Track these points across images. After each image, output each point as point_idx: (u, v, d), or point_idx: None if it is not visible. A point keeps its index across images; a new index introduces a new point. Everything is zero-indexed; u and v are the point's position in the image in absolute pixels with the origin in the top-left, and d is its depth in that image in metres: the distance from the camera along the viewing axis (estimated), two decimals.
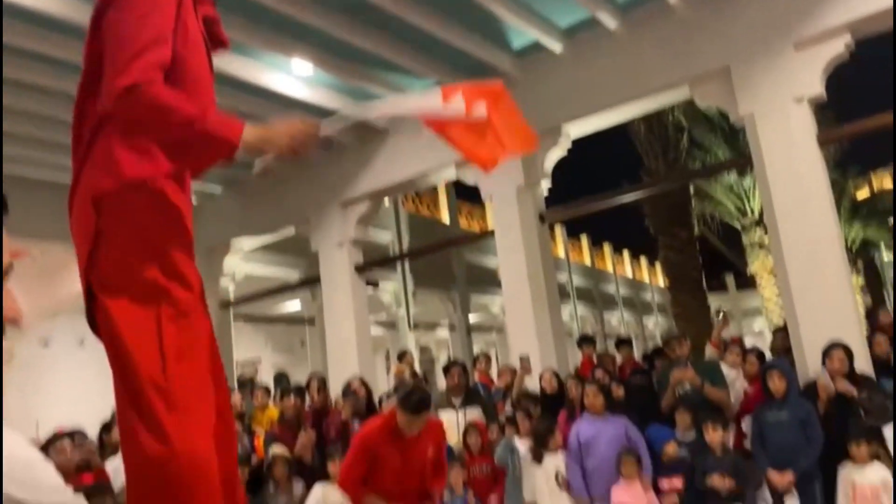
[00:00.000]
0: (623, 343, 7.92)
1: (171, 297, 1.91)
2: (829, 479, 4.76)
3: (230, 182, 9.60)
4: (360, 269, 8.76)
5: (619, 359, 7.53)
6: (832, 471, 4.73)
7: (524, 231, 7.31)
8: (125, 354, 1.85)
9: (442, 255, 16.48)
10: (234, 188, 9.65)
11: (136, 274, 1.88)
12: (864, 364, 5.28)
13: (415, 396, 3.98)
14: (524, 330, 7.17)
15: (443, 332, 17.92)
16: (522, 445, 5.48)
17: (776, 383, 4.97)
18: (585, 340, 8.00)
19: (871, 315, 6.81)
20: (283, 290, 10.57)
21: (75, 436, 4.68)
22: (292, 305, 13.45)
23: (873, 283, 22.78)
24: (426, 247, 11.80)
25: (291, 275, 11.81)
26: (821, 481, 4.75)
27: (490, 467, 5.58)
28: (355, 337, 8.56)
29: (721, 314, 6.90)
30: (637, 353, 9.10)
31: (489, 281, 17.08)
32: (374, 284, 9.71)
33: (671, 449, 5.15)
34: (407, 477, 4.03)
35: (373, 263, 9.34)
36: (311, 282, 9.85)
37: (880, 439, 4.74)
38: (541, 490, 5.27)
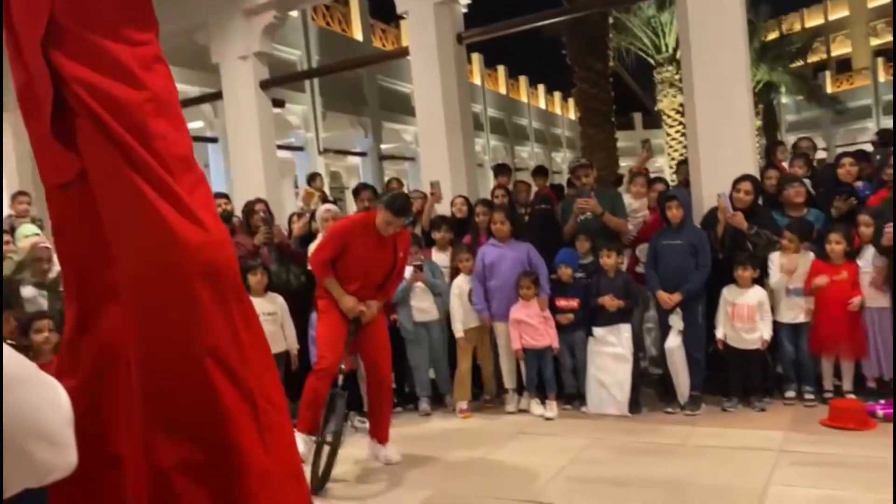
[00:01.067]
0: (539, 171, 8.02)
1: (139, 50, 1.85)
2: (714, 298, 5.17)
3: None
4: (265, 86, 8.29)
5: (533, 187, 7.64)
6: (718, 291, 5.14)
7: (440, 51, 7.02)
8: (118, 135, 1.76)
9: (354, 77, 15.85)
10: None
11: (99, 35, 1.78)
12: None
13: (399, 200, 4.30)
14: (436, 155, 7.10)
15: (353, 160, 17.64)
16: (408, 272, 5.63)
17: (674, 212, 5.20)
18: (501, 169, 8.04)
19: (769, 152, 7.14)
20: (183, 104, 9.93)
21: None
22: (194, 123, 12.77)
23: (770, 125, 23.79)
24: (337, 64, 11.23)
25: (191, 90, 11.09)
26: (704, 302, 5.15)
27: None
28: (261, 158, 8.28)
29: (646, 144, 7.03)
30: None
31: (402, 108, 16.71)
32: (281, 104, 9.26)
33: (565, 273, 5.40)
34: (371, 271, 4.36)
35: (279, 80, 8.85)
36: (212, 97, 9.30)
37: (764, 266, 5.13)
38: (455, 307, 5.56)
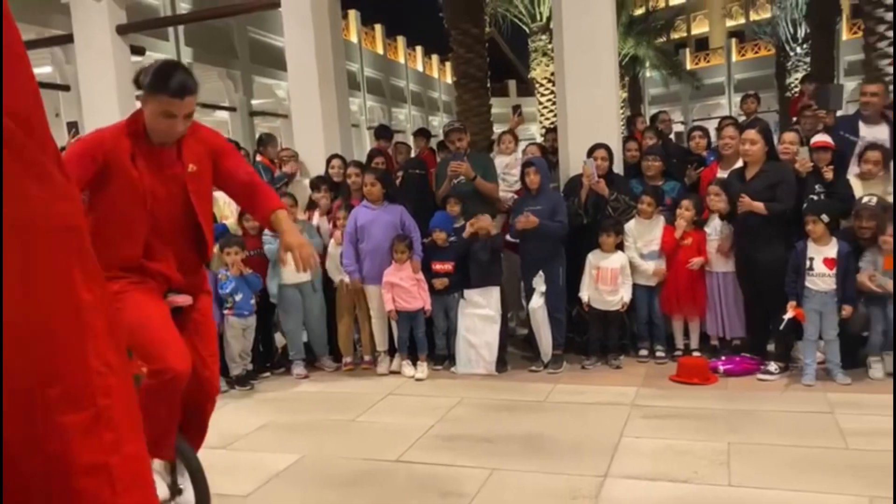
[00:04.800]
0: (420, 133, 8.00)
1: None
2: (575, 262, 5.40)
3: None
4: (122, 31, 7.70)
5: (414, 149, 7.61)
6: (580, 255, 5.36)
7: (314, 4, 6.77)
8: None
9: (223, 27, 15.06)
10: None
11: None
12: (618, 167, 5.86)
13: (168, 71, 2.55)
14: (309, 113, 6.89)
15: (222, 115, 16.83)
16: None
17: (532, 178, 5.37)
18: (382, 131, 7.93)
19: (630, 123, 7.50)
20: (28, 46, 9.03)
21: None
22: (42, 68, 11.67)
23: (634, 97, 24.97)
24: (203, 12, 10.59)
25: (40, 31, 10.10)
26: (564, 265, 5.37)
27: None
28: (118, 111, 7.69)
29: (518, 110, 7.16)
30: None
31: (275, 63, 16.07)
32: (141, 52, 8.64)
33: (440, 237, 5.47)
34: (161, 211, 2.63)
35: (139, 25, 8.25)
36: (61, 40, 8.52)
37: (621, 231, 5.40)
38: (332, 270, 5.59)
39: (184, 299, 2.74)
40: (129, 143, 2.58)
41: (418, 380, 5.32)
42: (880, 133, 5.36)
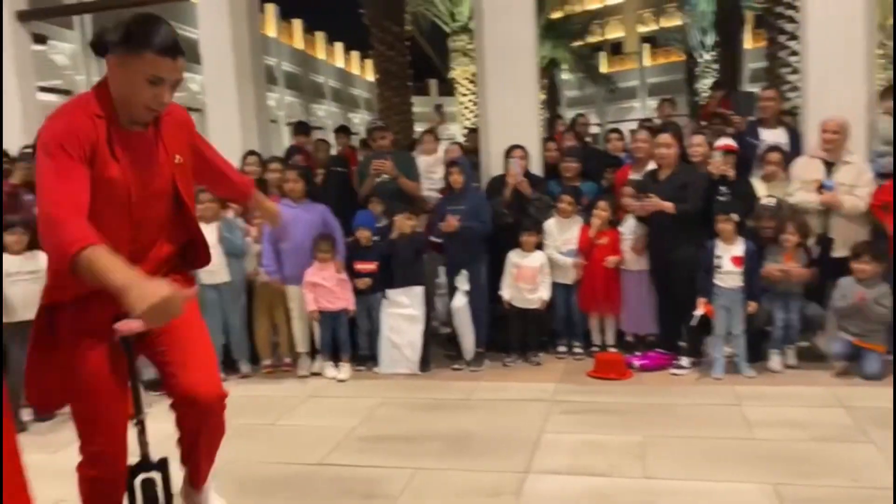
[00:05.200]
0: (341, 130, 7.92)
1: None
2: (496, 262, 5.46)
3: None
4: (24, 18, 7.28)
5: (336, 147, 7.53)
6: (501, 255, 5.43)
7: None
8: None
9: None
10: None
11: None
12: (537, 168, 5.97)
13: (149, 20, 2.08)
14: (226, 108, 6.72)
15: None
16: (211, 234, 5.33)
17: (455, 177, 5.41)
18: (301, 127, 7.79)
19: (550, 125, 7.66)
20: None
21: None
22: None
23: (552, 100, 25.49)
24: (111, 0, 10.09)
25: None
26: (487, 264, 5.43)
27: None
28: (19, 103, 7.30)
29: (441, 109, 7.20)
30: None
31: (188, 55, 15.60)
32: (43, 41, 8.19)
33: (363, 235, 5.42)
34: (147, 206, 2.13)
35: (41, 12, 7.81)
36: None
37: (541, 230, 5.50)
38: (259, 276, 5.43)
39: (138, 324, 2.00)
40: (104, 126, 1.99)
41: (340, 381, 5.25)
42: (778, 136, 5.66)
